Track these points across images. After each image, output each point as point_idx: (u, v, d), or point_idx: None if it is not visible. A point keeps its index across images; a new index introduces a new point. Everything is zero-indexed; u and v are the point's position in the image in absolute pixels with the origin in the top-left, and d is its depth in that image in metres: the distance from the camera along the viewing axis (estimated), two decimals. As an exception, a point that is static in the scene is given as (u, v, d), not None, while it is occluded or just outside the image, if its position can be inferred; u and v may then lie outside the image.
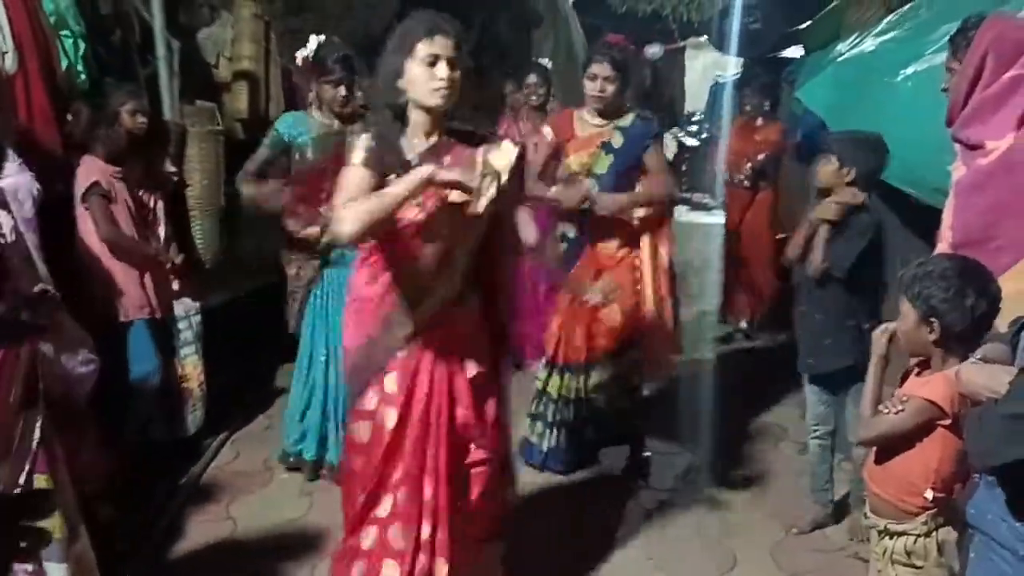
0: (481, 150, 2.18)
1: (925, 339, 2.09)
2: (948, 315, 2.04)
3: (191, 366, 3.87)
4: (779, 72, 6.72)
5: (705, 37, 9.93)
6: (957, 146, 2.48)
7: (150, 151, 3.70)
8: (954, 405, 2.01)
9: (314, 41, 3.57)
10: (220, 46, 4.55)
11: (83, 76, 3.53)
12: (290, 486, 3.70)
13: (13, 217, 2.42)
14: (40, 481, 2.19)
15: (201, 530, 3.34)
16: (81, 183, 3.39)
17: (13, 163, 2.83)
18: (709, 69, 10.72)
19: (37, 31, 3.24)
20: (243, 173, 3.58)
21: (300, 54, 3.60)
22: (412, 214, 2.20)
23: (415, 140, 2.27)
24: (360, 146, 2.21)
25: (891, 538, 2.19)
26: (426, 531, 2.32)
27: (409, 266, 2.27)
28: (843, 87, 4.42)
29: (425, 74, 2.17)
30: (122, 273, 3.52)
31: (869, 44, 4.42)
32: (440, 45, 2.16)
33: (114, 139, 3.46)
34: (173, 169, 3.84)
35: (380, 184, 2.15)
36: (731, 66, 9.25)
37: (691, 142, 8.74)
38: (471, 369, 2.39)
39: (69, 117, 3.41)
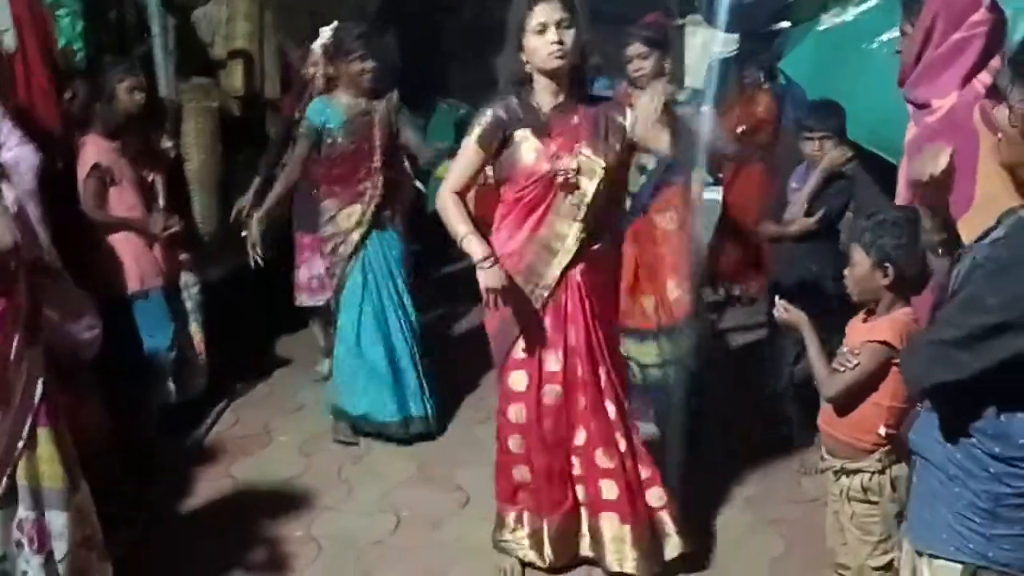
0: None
1: (877, 284, 2.21)
2: (901, 260, 2.16)
3: (194, 335, 4.00)
4: (773, 45, 6.77)
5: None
6: (909, 107, 2.57)
7: (147, 127, 3.82)
8: (903, 341, 2.12)
9: (327, 30, 3.68)
10: (215, 25, 4.63)
11: (81, 54, 3.63)
12: (288, 448, 3.84)
13: (14, 189, 2.54)
14: (42, 433, 2.31)
15: (204, 488, 3.49)
16: (84, 164, 3.50)
17: (14, 136, 2.94)
18: (708, 46, 10.73)
19: (35, 9, 3.35)
20: (282, 180, 3.70)
21: (316, 44, 3.70)
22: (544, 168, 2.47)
23: (544, 100, 2.49)
24: (479, 122, 2.52)
25: (847, 476, 2.30)
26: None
27: (544, 215, 2.51)
28: (822, 56, 4.50)
29: (538, 41, 2.38)
30: (131, 246, 3.65)
31: (849, 14, 4.49)
32: (545, 12, 2.36)
33: (112, 115, 3.58)
34: (170, 144, 3.96)
35: (486, 159, 2.53)
36: (729, 42, 9.27)
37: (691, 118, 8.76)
38: (608, 313, 2.68)
39: (67, 95, 3.52)
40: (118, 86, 3.58)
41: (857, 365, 2.22)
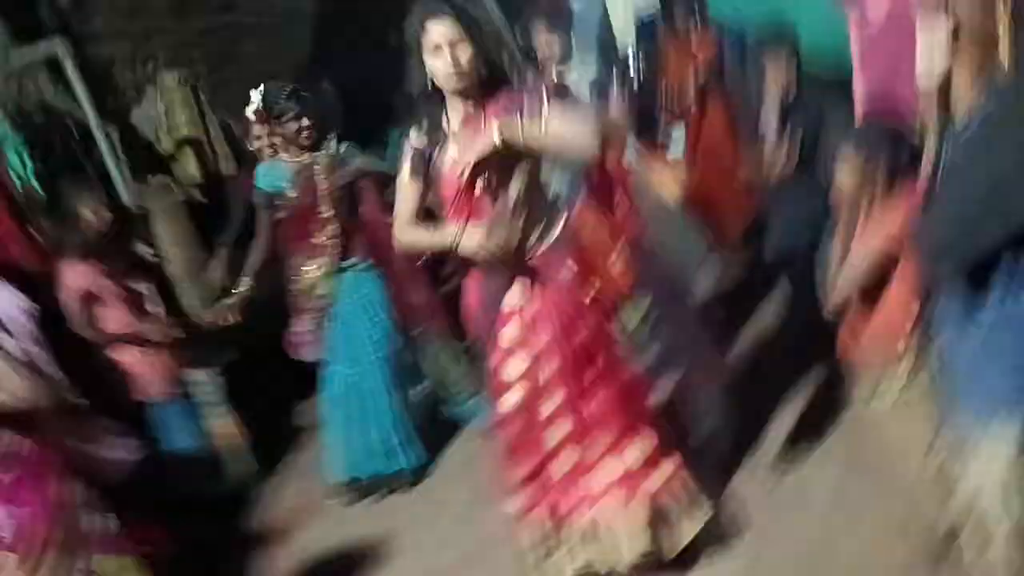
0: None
1: (870, 187, 2.26)
2: (889, 151, 2.23)
3: (223, 426, 4.02)
4: None
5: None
6: (850, 17, 2.60)
7: (121, 239, 3.85)
8: (906, 233, 2.15)
9: (255, 94, 3.64)
10: (155, 121, 4.67)
11: (40, 191, 3.66)
12: (341, 510, 3.84)
13: (18, 340, 2.57)
14: (107, 563, 2.33)
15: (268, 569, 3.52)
16: (66, 289, 3.52)
17: (1, 290, 2.97)
18: (629, 4, 10.61)
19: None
20: (255, 250, 3.66)
21: (249, 111, 3.67)
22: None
23: (453, 115, 2.42)
24: (404, 158, 2.47)
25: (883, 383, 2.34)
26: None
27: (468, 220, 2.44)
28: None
29: (435, 61, 2.30)
30: (131, 357, 3.68)
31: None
32: (437, 32, 2.26)
33: (83, 239, 3.60)
34: (149, 250, 3.98)
35: (426, 185, 2.45)
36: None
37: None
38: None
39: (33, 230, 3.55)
40: (82, 210, 3.60)
41: (864, 262, 2.26)
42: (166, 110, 4.59)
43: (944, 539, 2.17)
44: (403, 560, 3.33)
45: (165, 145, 4.65)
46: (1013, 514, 1.74)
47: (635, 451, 2.60)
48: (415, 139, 2.47)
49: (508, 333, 2.56)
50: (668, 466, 2.64)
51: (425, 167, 2.46)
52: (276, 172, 3.60)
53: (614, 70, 4.14)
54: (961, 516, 1.90)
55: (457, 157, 2.35)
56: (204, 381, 3.97)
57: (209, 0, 5.04)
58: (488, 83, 2.38)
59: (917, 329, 2.23)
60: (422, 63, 2.33)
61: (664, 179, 3.82)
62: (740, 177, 4.06)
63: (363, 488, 3.82)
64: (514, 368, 2.58)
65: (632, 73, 4.94)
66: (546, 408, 2.57)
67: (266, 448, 4.40)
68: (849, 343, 2.40)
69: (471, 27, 2.29)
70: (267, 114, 3.60)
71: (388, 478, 3.79)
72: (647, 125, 4.61)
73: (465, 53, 2.28)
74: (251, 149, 3.85)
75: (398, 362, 3.80)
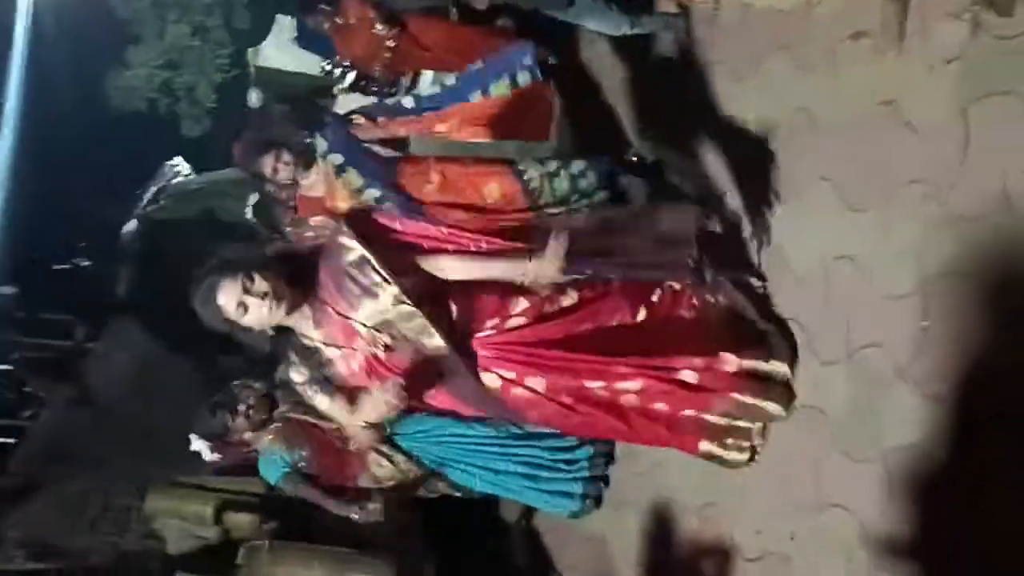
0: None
1: None
2: None
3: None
4: None
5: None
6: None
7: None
8: None
9: None
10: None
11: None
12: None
13: None
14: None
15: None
16: None
17: None
18: (283, 40, 10.05)
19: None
20: None
21: None
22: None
23: (305, 329, 2.44)
24: (308, 394, 2.48)
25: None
26: None
27: None
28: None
29: (248, 320, 2.33)
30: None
31: None
32: (226, 303, 2.31)
33: None
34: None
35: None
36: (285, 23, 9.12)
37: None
38: None
39: None
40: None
41: None
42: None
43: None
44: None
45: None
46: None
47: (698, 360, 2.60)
48: (298, 375, 2.47)
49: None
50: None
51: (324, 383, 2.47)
52: None
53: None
54: None
55: (348, 363, 2.41)
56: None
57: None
58: (296, 281, 2.39)
59: None
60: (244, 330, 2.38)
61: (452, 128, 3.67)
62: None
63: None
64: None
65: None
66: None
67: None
68: None
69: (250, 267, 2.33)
70: None
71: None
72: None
73: (258, 296, 2.30)
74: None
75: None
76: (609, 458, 3.64)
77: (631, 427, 2.62)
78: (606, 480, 3.65)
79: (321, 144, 3.47)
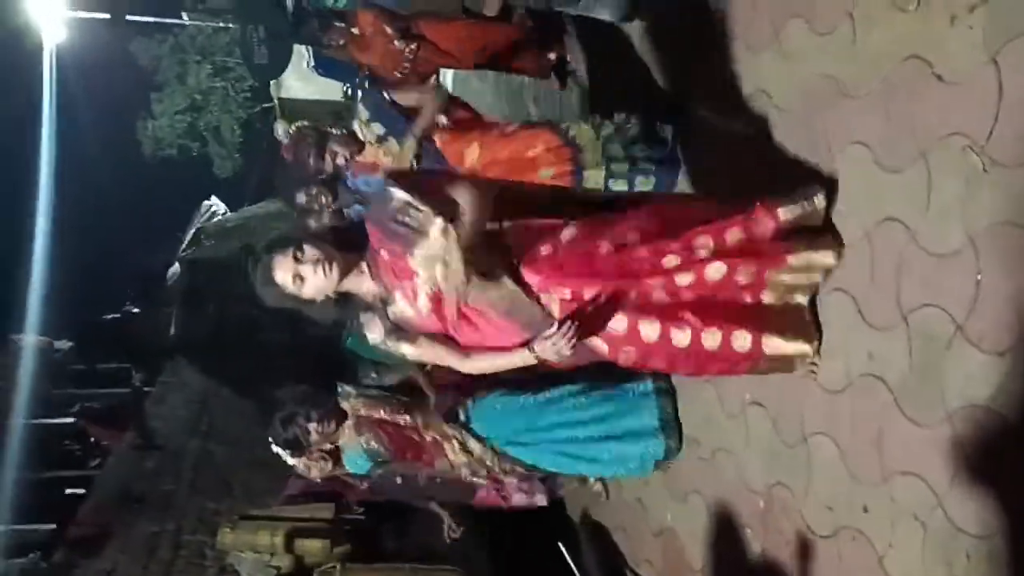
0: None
1: None
2: None
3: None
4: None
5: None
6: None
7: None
8: None
9: None
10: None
11: None
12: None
13: None
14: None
15: None
16: None
17: None
18: (302, 68, 10.24)
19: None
20: None
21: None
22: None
23: (361, 286, 2.50)
24: (390, 343, 2.53)
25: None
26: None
27: None
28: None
29: (306, 289, 2.41)
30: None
31: None
32: (281, 278, 2.39)
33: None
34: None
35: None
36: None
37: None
38: None
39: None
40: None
41: None
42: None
43: None
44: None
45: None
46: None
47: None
48: (374, 334, 2.52)
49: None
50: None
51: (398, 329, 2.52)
52: None
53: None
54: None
55: (416, 305, 2.44)
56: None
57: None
58: (341, 242, 2.46)
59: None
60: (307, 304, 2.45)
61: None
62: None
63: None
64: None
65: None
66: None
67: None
68: None
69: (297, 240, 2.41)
70: None
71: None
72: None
73: (311, 263, 2.37)
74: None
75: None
76: (672, 395, 3.58)
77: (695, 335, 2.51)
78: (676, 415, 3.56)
79: (363, 113, 3.87)
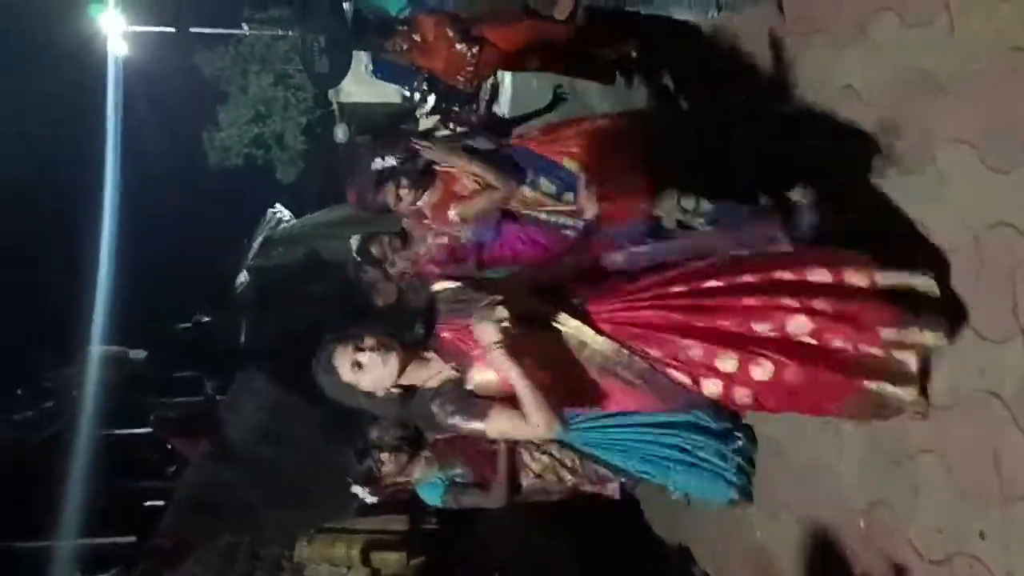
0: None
1: None
2: None
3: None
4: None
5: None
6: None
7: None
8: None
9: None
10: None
11: None
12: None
13: None
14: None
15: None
16: None
17: None
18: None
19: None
20: None
21: None
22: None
23: (433, 369, 2.41)
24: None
25: None
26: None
27: None
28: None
29: (365, 378, 2.35)
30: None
31: None
32: (344, 371, 2.34)
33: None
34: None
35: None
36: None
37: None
38: None
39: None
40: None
41: None
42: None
43: None
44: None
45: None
46: None
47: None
48: (445, 416, 2.36)
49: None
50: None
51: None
52: None
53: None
54: None
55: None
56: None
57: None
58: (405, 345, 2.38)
59: None
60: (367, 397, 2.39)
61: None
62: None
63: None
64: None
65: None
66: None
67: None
68: None
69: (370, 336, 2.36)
70: None
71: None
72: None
73: (369, 350, 2.32)
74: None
75: None
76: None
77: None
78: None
79: None
